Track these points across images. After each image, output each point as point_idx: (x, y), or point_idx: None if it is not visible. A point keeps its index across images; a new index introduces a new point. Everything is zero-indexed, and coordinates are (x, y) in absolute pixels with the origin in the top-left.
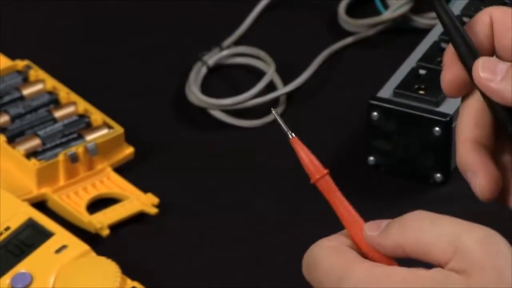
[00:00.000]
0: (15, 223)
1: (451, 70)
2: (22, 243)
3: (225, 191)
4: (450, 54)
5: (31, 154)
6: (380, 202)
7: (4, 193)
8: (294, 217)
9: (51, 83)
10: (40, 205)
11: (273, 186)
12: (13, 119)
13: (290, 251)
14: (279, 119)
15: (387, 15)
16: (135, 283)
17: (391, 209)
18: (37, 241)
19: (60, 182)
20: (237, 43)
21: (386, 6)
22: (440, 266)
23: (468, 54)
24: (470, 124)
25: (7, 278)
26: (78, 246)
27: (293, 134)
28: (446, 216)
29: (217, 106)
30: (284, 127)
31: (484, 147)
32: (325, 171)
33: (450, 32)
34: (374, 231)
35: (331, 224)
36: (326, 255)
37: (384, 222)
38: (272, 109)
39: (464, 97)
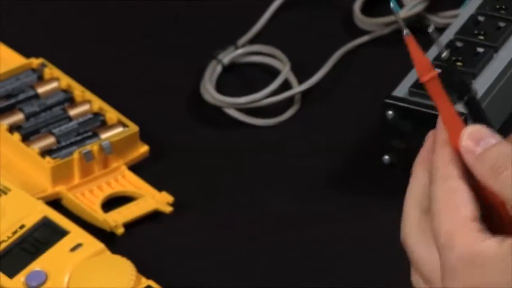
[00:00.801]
0: (30, 221)
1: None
2: (37, 241)
3: (239, 190)
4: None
5: (46, 152)
6: (395, 200)
7: (19, 191)
8: (308, 216)
9: (66, 81)
10: (55, 203)
11: (287, 185)
12: (27, 117)
13: (305, 250)
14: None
15: (402, 14)
16: (150, 282)
17: None
18: (52, 239)
19: (75, 180)
20: (252, 41)
21: (401, 5)
22: None
23: None
24: None
25: (22, 276)
26: (93, 244)
27: (408, 32)
28: None
29: (232, 105)
30: (401, 24)
31: None
32: (435, 72)
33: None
34: (471, 146)
35: (346, 223)
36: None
37: (484, 138)
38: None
39: None
